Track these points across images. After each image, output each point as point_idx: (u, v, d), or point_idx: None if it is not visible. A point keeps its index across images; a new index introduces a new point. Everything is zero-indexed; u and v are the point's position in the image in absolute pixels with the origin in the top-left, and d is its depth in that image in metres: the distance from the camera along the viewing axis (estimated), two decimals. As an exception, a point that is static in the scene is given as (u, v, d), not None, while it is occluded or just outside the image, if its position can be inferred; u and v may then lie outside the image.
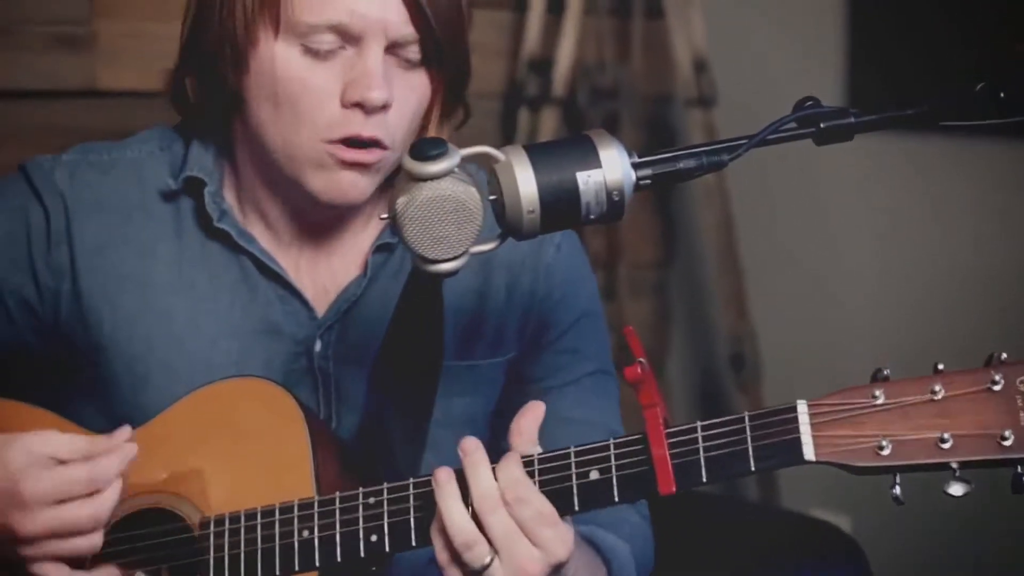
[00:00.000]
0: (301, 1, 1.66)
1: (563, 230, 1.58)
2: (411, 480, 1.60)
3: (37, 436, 1.61)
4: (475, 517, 1.53)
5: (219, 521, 1.66)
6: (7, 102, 2.81)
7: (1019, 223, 3.09)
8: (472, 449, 1.55)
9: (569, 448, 1.55)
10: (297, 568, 1.63)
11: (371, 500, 1.61)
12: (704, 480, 1.52)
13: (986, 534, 3.01)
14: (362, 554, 1.61)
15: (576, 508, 1.55)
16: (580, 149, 1.50)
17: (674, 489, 1.51)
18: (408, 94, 1.71)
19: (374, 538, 1.60)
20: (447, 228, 1.49)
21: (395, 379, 1.69)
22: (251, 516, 1.65)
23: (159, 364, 1.79)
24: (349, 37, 1.67)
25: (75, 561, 1.63)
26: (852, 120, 1.55)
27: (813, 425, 1.48)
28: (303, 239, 1.82)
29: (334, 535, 1.62)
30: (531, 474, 1.54)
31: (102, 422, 1.75)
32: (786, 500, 3.38)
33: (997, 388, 1.45)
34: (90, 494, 1.61)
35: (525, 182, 1.49)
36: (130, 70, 2.87)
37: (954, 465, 1.45)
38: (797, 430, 1.49)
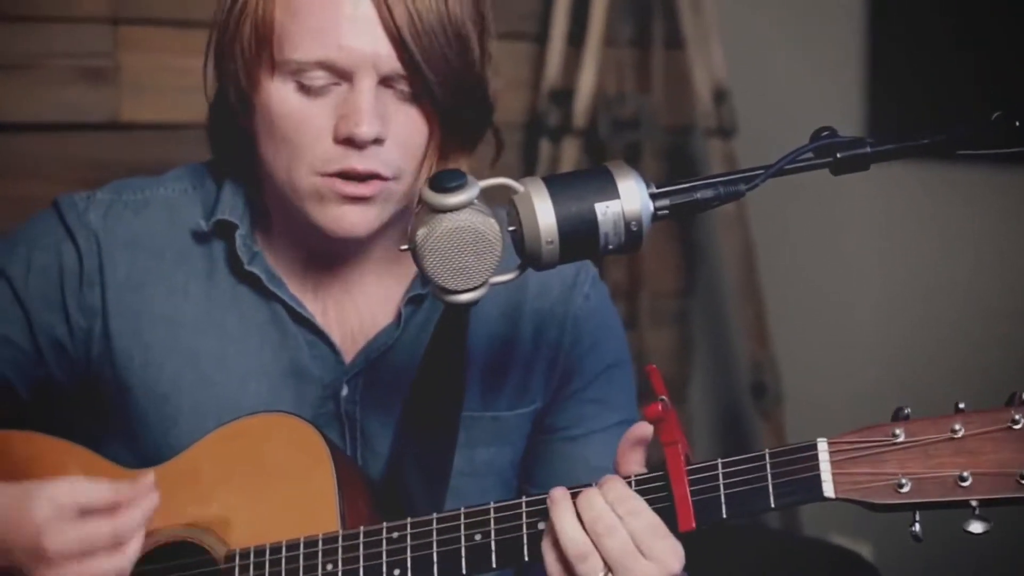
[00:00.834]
0: (292, 39, 1.66)
1: (582, 260, 1.57)
2: (434, 515, 1.61)
3: (62, 485, 1.59)
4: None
5: (244, 554, 1.67)
6: (31, 135, 2.81)
7: (1039, 252, 3.09)
8: (560, 497, 1.54)
9: (591, 484, 1.55)
10: (320, 600, 1.63)
11: (395, 535, 1.61)
12: (724, 516, 1.52)
13: (1010, 562, 3.00)
14: (385, 587, 1.62)
15: None
16: (598, 180, 1.51)
17: (694, 526, 1.51)
18: (406, 125, 1.70)
19: (397, 572, 1.61)
20: (467, 259, 1.50)
21: (418, 428, 1.70)
22: (276, 549, 1.66)
23: (188, 404, 1.79)
24: (340, 73, 1.67)
25: None
26: (868, 150, 1.56)
27: (833, 463, 1.49)
28: (331, 282, 1.83)
29: (357, 568, 1.62)
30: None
31: (132, 460, 1.76)
32: (808, 527, 3.37)
33: (1018, 427, 1.45)
34: (114, 546, 1.59)
35: (544, 213, 1.50)
36: (154, 103, 2.88)
37: (973, 503, 1.45)
38: (817, 467, 1.49)
